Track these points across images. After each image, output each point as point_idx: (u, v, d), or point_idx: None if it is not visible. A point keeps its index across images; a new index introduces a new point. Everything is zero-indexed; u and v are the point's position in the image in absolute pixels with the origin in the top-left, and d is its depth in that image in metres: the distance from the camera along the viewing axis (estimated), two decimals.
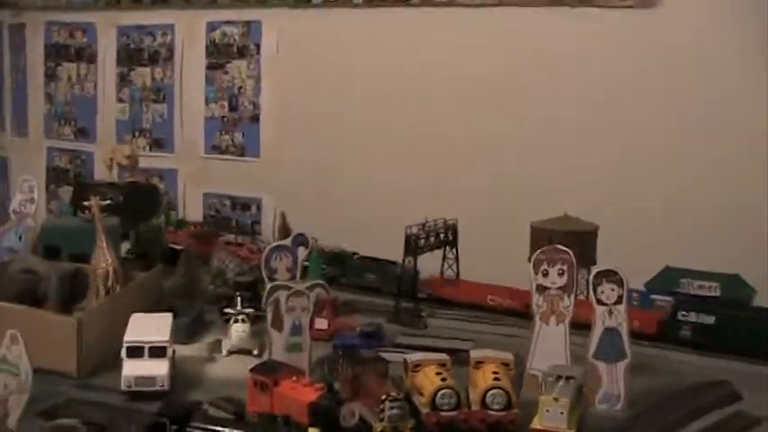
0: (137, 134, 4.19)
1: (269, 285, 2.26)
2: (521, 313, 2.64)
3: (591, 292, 2.29)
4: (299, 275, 2.47)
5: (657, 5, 3.03)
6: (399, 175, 3.45)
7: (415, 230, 2.75)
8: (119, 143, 4.14)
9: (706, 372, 2.46)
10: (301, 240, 2.49)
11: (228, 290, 2.87)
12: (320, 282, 2.29)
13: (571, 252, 2.34)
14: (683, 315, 2.65)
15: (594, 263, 2.75)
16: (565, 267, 2.34)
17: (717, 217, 2.96)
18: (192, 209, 4.01)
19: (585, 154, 3.14)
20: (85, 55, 4.38)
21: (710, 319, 2.62)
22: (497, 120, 3.28)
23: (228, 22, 3.89)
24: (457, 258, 2.96)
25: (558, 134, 3.19)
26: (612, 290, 2.29)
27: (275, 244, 2.51)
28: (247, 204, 3.87)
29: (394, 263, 2.96)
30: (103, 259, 2.63)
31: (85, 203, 2.84)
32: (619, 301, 2.28)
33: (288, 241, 2.49)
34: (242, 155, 3.89)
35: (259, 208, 3.84)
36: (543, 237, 2.73)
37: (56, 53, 4.48)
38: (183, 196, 4.05)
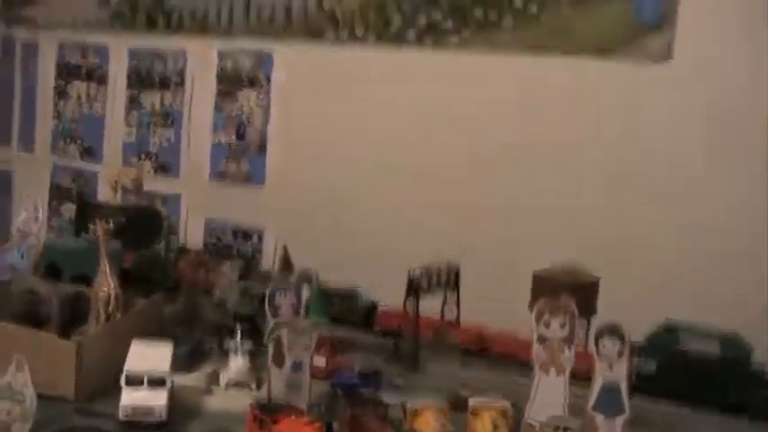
0: (143, 157, 4.20)
1: (272, 322, 2.27)
2: (520, 361, 2.64)
3: (592, 344, 2.30)
4: (303, 313, 2.48)
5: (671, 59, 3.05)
6: (404, 211, 3.46)
7: (417, 273, 2.76)
8: (124, 165, 4.17)
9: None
10: (306, 277, 2.50)
11: (229, 320, 2.87)
12: (322, 320, 2.30)
13: (574, 304, 2.35)
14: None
15: (595, 313, 2.77)
16: (567, 319, 2.35)
17: (718, 268, 2.97)
18: (192, 235, 4.01)
19: (591, 202, 3.15)
20: (96, 75, 4.39)
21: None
22: (504, 163, 3.29)
23: (241, 51, 3.91)
24: (458, 302, 2.97)
25: (566, 181, 3.20)
26: (614, 344, 2.30)
27: (279, 282, 2.51)
28: (249, 233, 3.87)
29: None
30: (105, 284, 2.64)
31: (90, 226, 2.85)
32: (620, 355, 2.29)
33: (292, 278, 2.50)
34: (247, 183, 3.89)
35: (260, 237, 3.84)
36: (545, 286, 2.74)
37: (67, 72, 4.50)
38: (185, 222, 4.05)
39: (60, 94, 4.52)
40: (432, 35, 3.46)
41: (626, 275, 2.99)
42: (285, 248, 3.24)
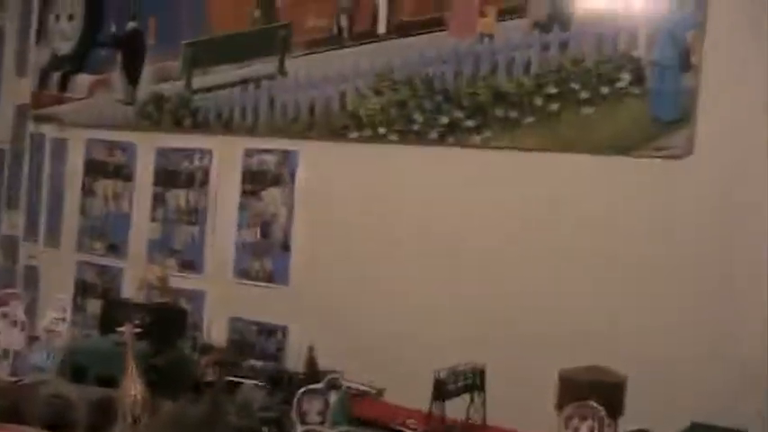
0: (167, 254, 4.24)
1: (300, 428, 2.26)
2: None
3: None
4: (330, 419, 2.47)
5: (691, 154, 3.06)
6: (430, 315, 3.46)
7: (443, 375, 2.76)
8: (149, 262, 4.20)
9: None
10: (334, 383, 2.50)
11: (254, 423, 2.85)
12: (350, 429, 2.30)
13: (603, 409, 2.33)
14: None
15: (622, 414, 2.74)
16: (595, 424, 2.34)
17: (742, 373, 2.94)
18: (216, 333, 4.02)
19: (615, 304, 3.14)
20: (123, 173, 4.47)
21: None
22: (533, 269, 3.29)
23: (265, 151, 3.97)
24: (484, 403, 2.95)
25: (586, 285, 3.20)
26: None
27: (307, 387, 2.51)
28: (273, 330, 3.88)
29: None
30: (132, 387, 2.65)
31: (118, 329, 2.86)
32: None
33: (320, 384, 2.50)
34: (271, 281, 3.91)
35: (285, 335, 3.84)
36: (571, 386, 2.72)
37: (94, 169, 4.58)
38: (209, 319, 4.06)
39: (87, 191, 4.60)
40: (454, 134, 3.51)
41: (651, 375, 2.97)
42: (311, 350, 3.24)
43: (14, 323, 3.19)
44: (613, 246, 3.17)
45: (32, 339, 3.21)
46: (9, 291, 3.42)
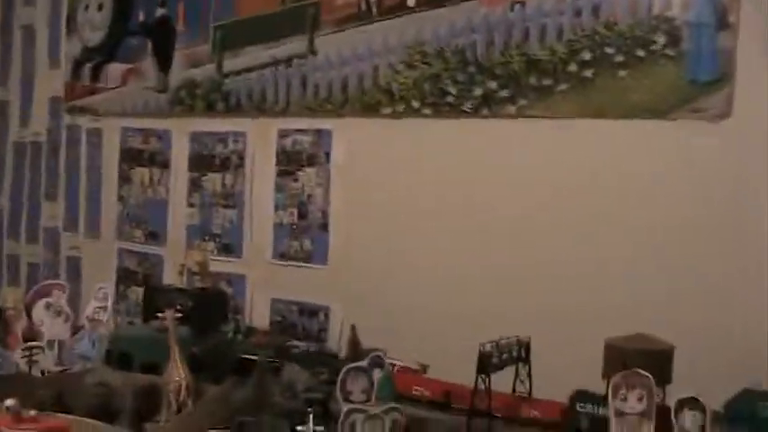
0: (206, 239, 4.25)
1: (345, 408, 2.25)
2: None
3: (672, 418, 2.25)
4: (374, 397, 2.45)
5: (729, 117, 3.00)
6: (471, 288, 3.43)
7: (488, 348, 2.73)
8: (188, 247, 4.21)
9: None
10: (377, 361, 2.48)
11: (299, 404, 2.85)
12: (395, 405, 2.28)
13: (652, 378, 2.30)
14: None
15: (670, 382, 2.70)
16: (644, 392, 2.30)
17: None
18: (258, 315, 4.02)
19: (660, 273, 3.10)
20: (159, 160, 4.48)
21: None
22: (573, 238, 3.26)
23: (299, 131, 3.96)
24: (530, 375, 2.92)
25: (626, 251, 3.16)
26: (695, 418, 2.24)
27: (351, 365, 2.49)
28: (315, 311, 3.87)
29: None
30: (176, 373, 2.65)
31: (159, 315, 2.87)
32: (702, 429, 2.23)
33: (364, 362, 2.48)
34: (310, 262, 3.90)
35: (326, 315, 3.84)
36: (618, 355, 2.68)
37: (130, 157, 4.60)
38: (250, 302, 4.07)
39: (124, 179, 4.62)
40: (488, 105, 3.47)
41: (703, 344, 2.93)
42: (353, 329, 3.23)
43: (59, 313, 3.22)
44: (652, 211, 3.13)
45: (77, 329, 3.24)
46: (52, 282, 3.46)
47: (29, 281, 4.94)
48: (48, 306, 3.19)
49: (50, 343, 3.12)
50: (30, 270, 5.11)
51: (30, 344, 2.97)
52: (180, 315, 2.82)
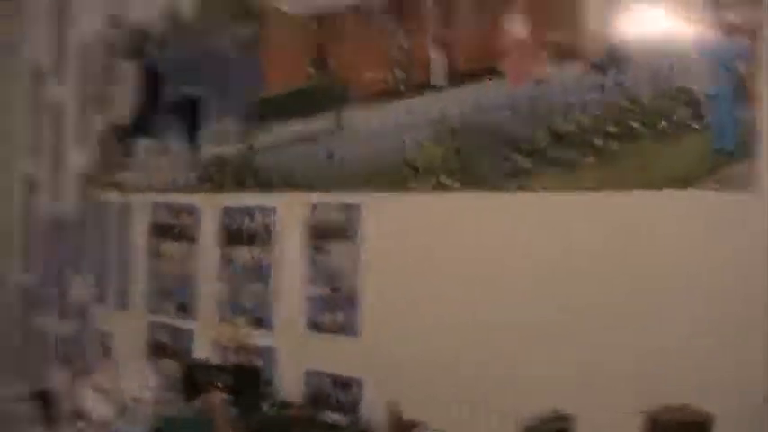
0: (238, 312, 4.30)
1: None
2: None
3: None
4: None
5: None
6: (507, 360, 3.46)
7: (531, 423, 2.77)
8: (220, 321, 4.27)
9: None
10: None
11: None
12: None
13: None
14: None
15: None
16: None
17: None
18: (290, 388, 4.06)
19: (684, 339, 3.12)
20: (188, 234, 4.56)
21: None
22: (601, 307, 3.29)
23: (328, 205, 4.03)
24: None
25: (655, 321, 3.18)
26: None
27: None
28: (348, 383, 3.91)
29: None
30: None
31: (205, 396, 2.91)
32: None
33: None
34: (342, 334, 3.95)
35: (360, 387, 3.88)
36: (658, 428, 2.72)
37: (159, 232, 4.68)
38: (282, 375, 4.11)
39: (154, 254, 4.69)
40: (516, 178, 3.54)
41: (737, 412, 2.95)
42: (395, 407, 3.23)
43: (102, 391, 3.27)
44: (681, 281, 3.16)
45: (120, 408, 3.28)
46: (96, 360, 3.51)
47: (62, 357, 4.99)
48: (92, 386, 3.24)
49: (97, 423, 3.16)
50: (60, 345, 5.16)
51: (79, 425, 3.01)
52: (225, 397, 2.87)
